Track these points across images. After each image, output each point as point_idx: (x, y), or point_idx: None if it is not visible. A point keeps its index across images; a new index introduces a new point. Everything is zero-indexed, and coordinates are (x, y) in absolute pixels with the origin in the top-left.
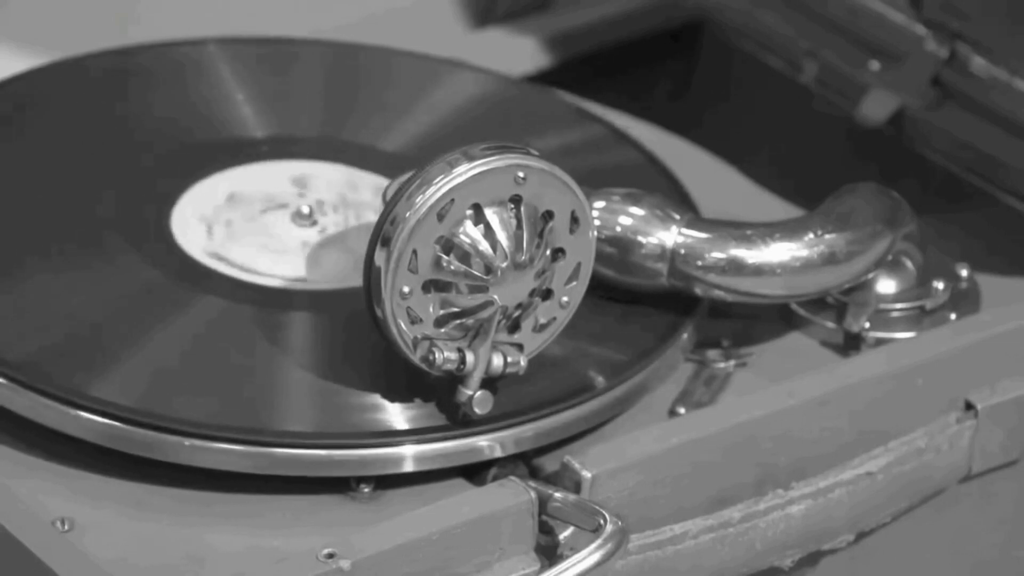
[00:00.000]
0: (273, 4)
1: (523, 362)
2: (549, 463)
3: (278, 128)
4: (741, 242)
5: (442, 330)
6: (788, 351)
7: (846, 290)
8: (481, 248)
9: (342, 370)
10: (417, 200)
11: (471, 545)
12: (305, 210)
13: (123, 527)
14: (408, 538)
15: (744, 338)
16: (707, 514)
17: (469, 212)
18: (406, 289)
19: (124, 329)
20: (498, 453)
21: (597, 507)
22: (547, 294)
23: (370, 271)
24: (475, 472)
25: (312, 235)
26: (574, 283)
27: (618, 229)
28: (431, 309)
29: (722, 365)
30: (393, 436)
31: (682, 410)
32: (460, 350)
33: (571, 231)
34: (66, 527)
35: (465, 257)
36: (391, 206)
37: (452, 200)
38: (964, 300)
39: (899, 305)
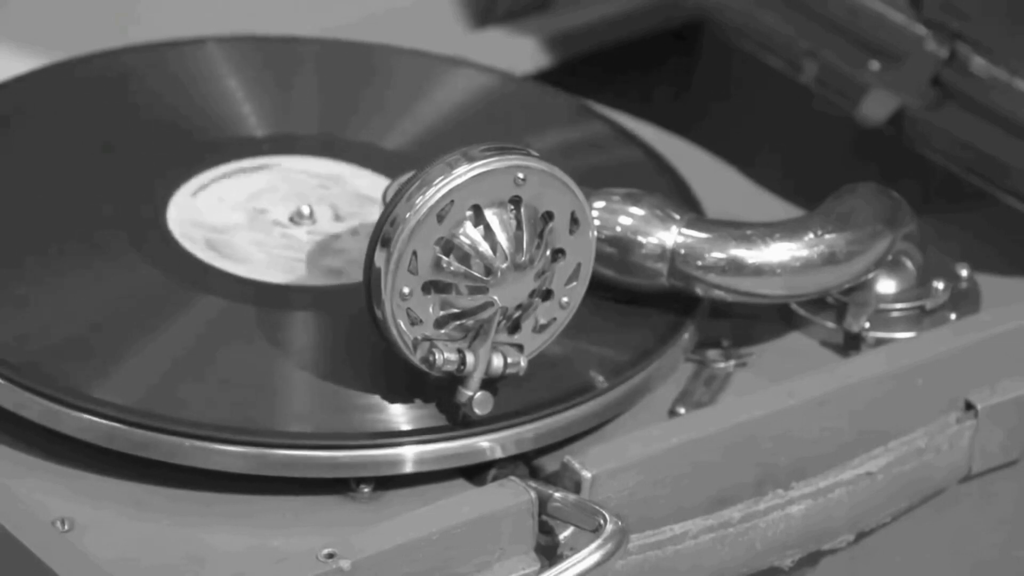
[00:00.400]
0: (273, 4)
1: (523, 363)
2: (549, 463)
3: (278, 127)
4: (741, 242)
5: (442, 331)
6: (788, 351)
7: (846, 290)
8: (481, 249)
9: (342, 371)
10: (417, 201)
11: (471, 545)
12: (305, 210)
13: (123, 527)
14: (408, 538)
15: (744, 338)
16: (707, 514)
17: (469, 213)
18: (406, 290)
19: (124, 329)
20: (498, 454)
21: (597, 507)
22: (547, 295)
23: (370, 272)
24: (475, 472)
25: (312, 235)
26: (574, 284)
27: (618, 229)
28: (431, 310)
29: (722, 365)
30: (393, 437)
31: (682, 410)
32: (460, 351)
33: (571, 232)
34: (66, 527)
35: (465, 258)
36: (391, 207)
37: (452, 201)
38: (964, 300)
39: (899, 305)
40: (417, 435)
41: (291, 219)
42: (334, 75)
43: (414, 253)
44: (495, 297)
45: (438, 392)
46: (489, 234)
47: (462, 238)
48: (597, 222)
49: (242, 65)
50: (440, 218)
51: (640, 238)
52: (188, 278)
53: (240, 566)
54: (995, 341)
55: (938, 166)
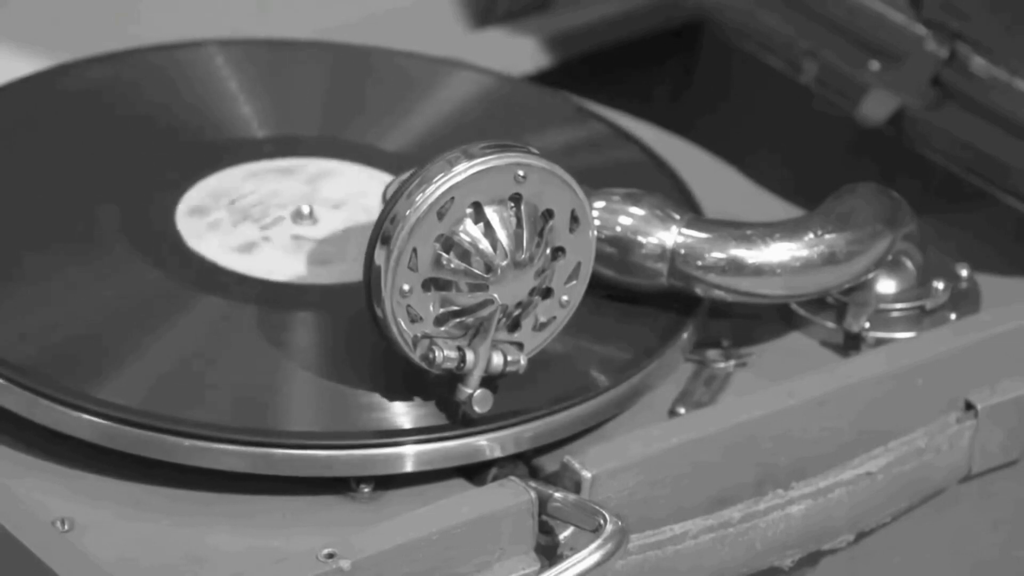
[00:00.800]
0: (273, 5)
1: (523, 361)
2: (549, 463)
3: (279, 128)
4: (741, 242)
5: (442, 328)
6: (788, 351)
7: (846, 290)
8: (481, 246)
9: (342, 370)
10: (417, 198)
11: (471, 545)
12: (305, 210)
13: (123, 527)
14: (408, 538)
15: (744, 338)
16: (707, 514)
17: (469, 210)
18: (406, 287)
19: (124, 330)
20: (498, 453)
21: (597, 507)
22: (547, 293)
23: (370, 270)
24: (475, 472)
25: (312, 234)
26: (574, 282)
27: (618, 229)
28: (431, 307)
29: (722, 365)
30: (393, 436)
31: (682, 410)
32: (460, 348)
33: (571, 230)
34: (66, 527)
35: (465, 255)
36: (391, 204)
37: (452, 198)
38: (964, 300)
39: (899, 305)
40: (417, 434)
41: (292, 219)
42: (335, 77)
43: (414, 250)
44: (495, 295)
45: (438, 391)
46: (489, 231)
47: (462, 235)
48: (597, 222)
49: (243, 67)
50: (440, 215)
51: (640, 238)
52: (188, 278)
53: (240, 566)
54: (995, 341)
55: (938, 166)
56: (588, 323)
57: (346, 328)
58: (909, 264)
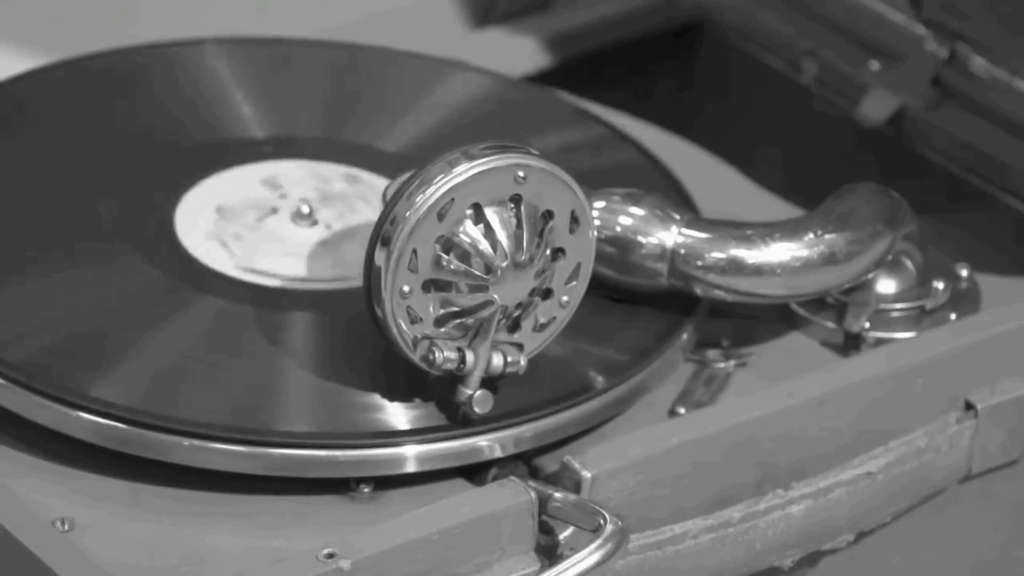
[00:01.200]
0: (273, 4)
1: (523, 362)
2: (549, 463)
3: (278, 128)
4: (741, 242)
5: (442, 329)
6: (788, 351)
7: (846, 290)
8: (481, 247)
9: (342, 370)
10: (417, 199)
11: (471, 545)
12: (305, 210)
13: (123, 527)
14: (408, 538)
15: (744, 338)
16: (707, 514)
17: (469, 211)
18: (406, 288)
19: (124, 329)
20: (498, 453)
21: (597, 507)
22: (547, 294)
23: (370, 271)
24: (475, 472)
25: (312, 234)
26: (574, 283)
27: (618, 229)
28: (431, 308)
29: (722, 365)
30: (393, 436)
31: (682, 410)
32: (460, 349)
33: (571, 231)
34: (66, 527)
35: (465, 256)
36: (391, 206)
37: (452, 199)
38: (964, 300)
39: (899, 305)
40: (417, 434)
41: (292, 219)
42: (334, 77)
43: (414, 251)
44: (495, 296)
45: (438, 391)
46: (489, 232)
47: (462, 236)
48: (597, 222)
49: (243, 66)
50: (440, 216)
51: (640, 238)
52: (188, 278)
53: (240, 566)
54: (995, 341)
55: (938, 166)
56: (588, 323)
57: (346, 328)
58: (909, 264)
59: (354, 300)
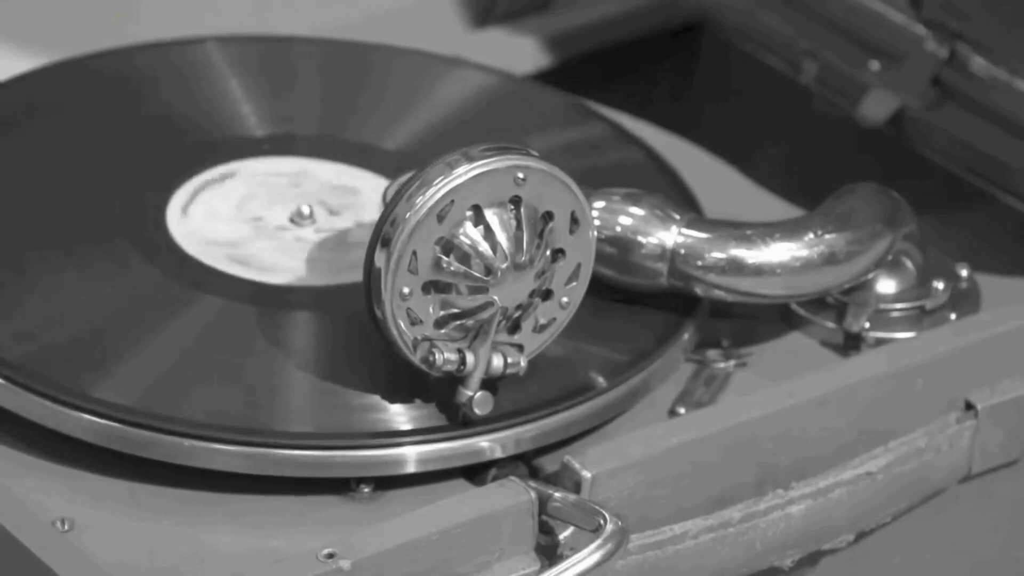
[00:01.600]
0: (273, 3)
1: (523, 363)
2: (549, 463)
3: (278, 127)
4: (741, 242)
5: (442, 331)
6: (788, 351)
7: (846, 290)
8: (481, 249)
9: (342, 371)
10: (417, 201)
11: (471, 545)
12: (305, 210)
13: (123, 527)
14: (408, 538)
15: (744, 338)
16: (707, 514)
17: (469, 213)
18: (406, 290)
19: (124, 329)
20: (498, 454)
21: (597, 507)
22: (547, 295)
23: (370, 272)
24: (475, 472)
25: (312, 235)
26: (574, 283)
27: (618, 229)
28: (431, 310)
29: (722, 365)
30: (393, 437)
31: (682, 410)
32: (460, 351)
33: (571, 231)
34: (66, 527)
35: (465, 258)
36: (391, 207)
37: (452, 201)
38: (964, 300)
39: (899, 305)
40: (417, 435)
41: (291, 219)
42: (334, 75)
43: (414, 253)
44: (495, 297)
45: (438, 392)
46: (489, 234)
47: (462, 238)
48: (597, 222)
49: (242, 65)
50: (440, 218)
51: (640, 238)
52: (188, 278)
53: (240, 566)
54: (995, 341)
55: (938, 166)
56: (588, 324)
57: (346, 328)
58: (909, 264)
59: (354, 300)
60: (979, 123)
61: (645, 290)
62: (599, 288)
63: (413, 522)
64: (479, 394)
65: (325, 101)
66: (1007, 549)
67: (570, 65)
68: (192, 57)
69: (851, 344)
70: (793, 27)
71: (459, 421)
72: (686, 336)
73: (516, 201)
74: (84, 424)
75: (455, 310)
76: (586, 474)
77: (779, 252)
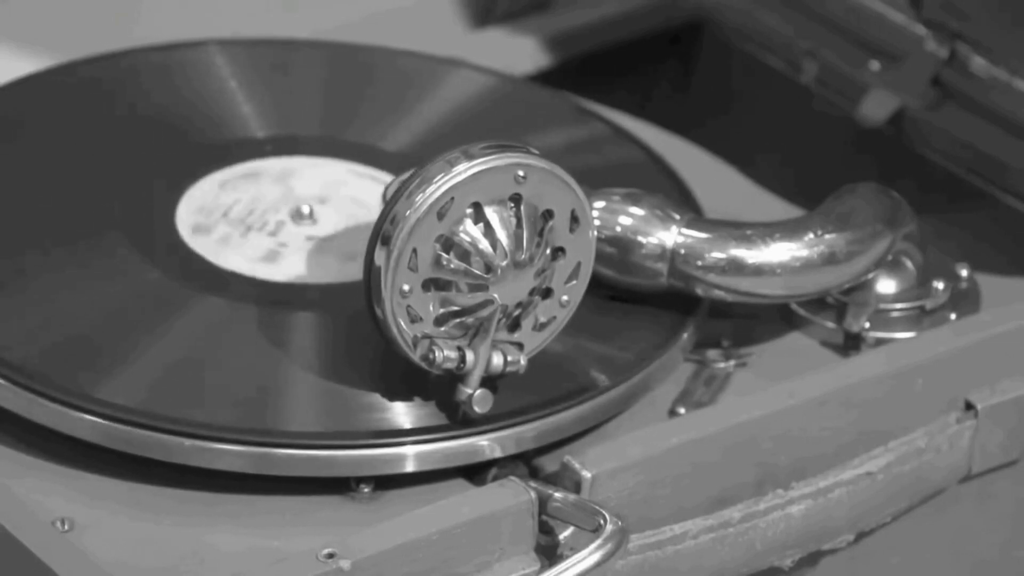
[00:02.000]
0: (273, 5)
1: (523, 361)
2: (549, 463)
3: (279, 128)
4: (741, 242)
5: (442, 329)
6: (788, 351)
7: (846, 290)
8: (481, 247)
9: (342, 370)
10: (417, 199)
11: (471, 545)
12: (305, 209)
13: (123, 527)
14: (408, 538)
15: (744, 338)
16: (707, 514)
17: (469, 211)
18: (406, 288)
19: (124, 329)
20: (498, 453)
21: (597, 507)
22: (547, 293)
23: (370, 270)
24: (475, 472)
25: (312, 234)
26: (574, 282)
27: (618, 229)
28: (431, 308)
29: (722, 365)
30: (393, 436)
31: (682, 410)
32: (460, 349)
33: (571, 230)
34: (66, 527)
35: (465, 255)
36: (391, 205)
37: (452, 199)
38: (964, 300)
39: (899, 305)
40: (417, 434)
41: (291, 219)
42: (335, 77)
43: (414, 251)
44: (495, 295)
45: (438, 391)
46: (489, 232)
47: (462, 235)
48: (597, 222)
49: (243, 67)
50: (440, 216)
51: (640, 238)
52: (189, 278)
53: (240, 566)
54: (995, 341)
55: (938, 166)
56: (588, 323)
57: (346, 328)
58: (909, 264)
59: (354, 299)
60: (979, 123)
61: (645, 290)
62: (599, 287)
63: (413, 522)
64: (479, 392)
65: (326, 102)
66: (1007, 549)
67: (570, 65)
68: (192, 59)
69: (851, 344)
70: (793, 27)
71: (459, 420)
72: (686, 336)
73: (516, 199)
74: (84, 424)
75: (455, 308)
76: (586, 474)
77: (779, 252)
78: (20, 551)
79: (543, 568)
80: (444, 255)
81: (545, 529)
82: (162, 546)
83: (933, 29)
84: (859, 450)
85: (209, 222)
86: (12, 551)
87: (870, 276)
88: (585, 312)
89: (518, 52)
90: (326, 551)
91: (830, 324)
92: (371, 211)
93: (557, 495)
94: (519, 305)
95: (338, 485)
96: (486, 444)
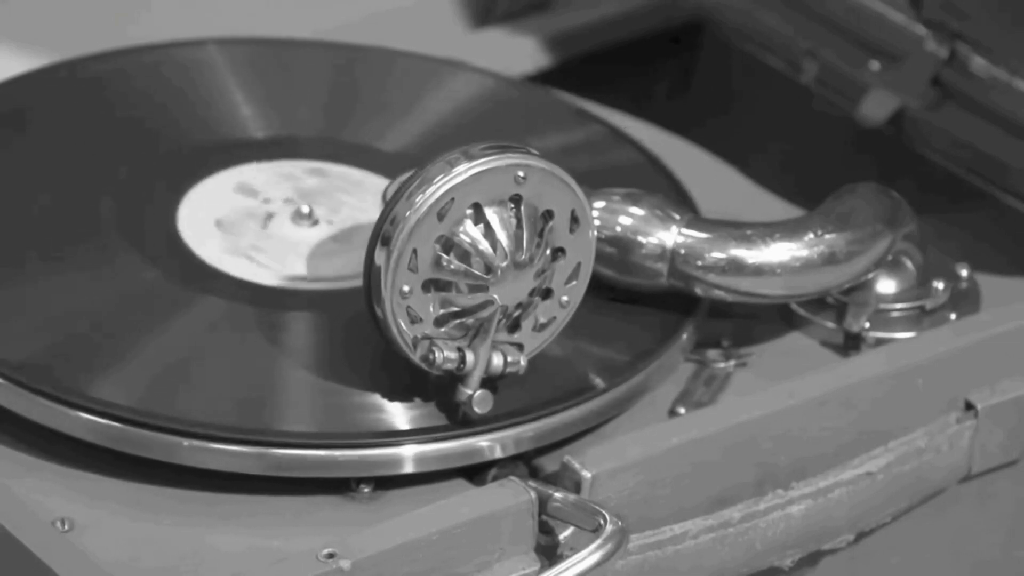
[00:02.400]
0: (273, 4)
1: (523, 361)
2: (549, 463)
3: (278, 129)
4: (741, 242)
5: (442, 329)
6: (788, 351)
7: (846, 290)
8: (481, 247)
9: (342, 370)
10: (417, 199)
11: (471, 545)
12: (305, 210)
13: (123, 527)
14: (408, 538)
15: (744, 338)
16: (707, 514)
17: (469, 211)
18: (406, 288)
19: (124, 329)
20: (498, 453)
21: (597, 507)
22: (547, 293)
23: (370, 270)
24: (475, 472)
25: (312, 235)
26: (574, 283)
27: (618, 229)
28: (431, 308)
29: (722, 365)
30: (393, 436)
31: (682, 410)
32: (460, 349)
33: (571, 230)
34: (66, 527)
35: (465, 256)
36: (391, 205)
37: (452, 199)
38: (964, 300)
39: (899, 305)
40: (417, 435)
41: (292, 219)
42: (334, 77)
43: (414, 251)
44: (495, 295)
45: (438, 392)
46: (489, 232)
47: (462, 236)
48: (597, 222)
49: (243, 67)
50: (440, 216)
51: (640, 238)
52: (188, 278)
53: (240, 566)
54: (995, 341)
55: (938, 166)
56: (588, 323)
57: (346, 328)
58: (909, 264)
59: (354, 300)
60: (979, 123)
61: (645, 290)
62: (599, 288)
63: (413, 522)
64: (479, 393)
65: (326, 103)
66: (1007, 549)
67: (570, 65)
68: (192, 59)
69: (851, 344)
70: (793, 27)
71: (459, 420)
72: (686, 336)
73: (516, 200)
74: (84, 424)
75: (455, 308)
76: (586, 474)
77: (779, 252)
78: (20, 551)
79: (543, 568)
80: (444, 256)
81: (545, 529)
82: (162, 546)
83: (933, 29)
84: (859, 450)
85: (209, 222)
86: (12, 551)
87: (870, 276)
88: (585, 312)
89: (518, 52)
90: (326, 551)
91: (830, 324)
92: (371, 212)
93: (557, 495)
94: (519, 306)
95: (338, 485)
96: (486, 444)
